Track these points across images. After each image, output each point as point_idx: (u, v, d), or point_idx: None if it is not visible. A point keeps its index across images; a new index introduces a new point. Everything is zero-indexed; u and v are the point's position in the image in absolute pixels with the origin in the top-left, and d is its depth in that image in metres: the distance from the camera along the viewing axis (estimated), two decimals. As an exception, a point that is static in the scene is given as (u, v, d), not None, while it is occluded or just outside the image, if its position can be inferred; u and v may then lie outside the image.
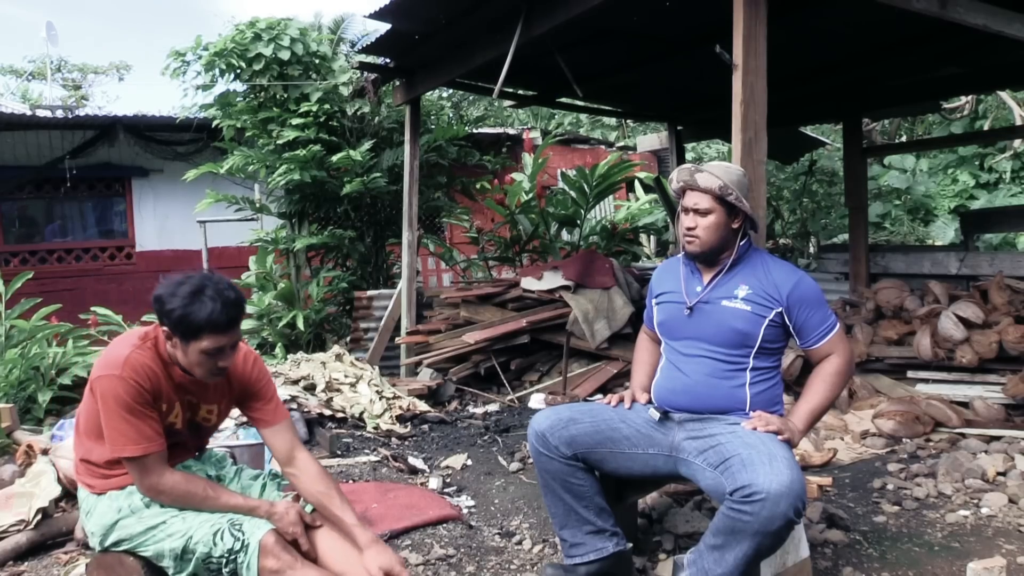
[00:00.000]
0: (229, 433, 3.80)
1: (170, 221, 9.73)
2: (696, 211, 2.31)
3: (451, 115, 9.23)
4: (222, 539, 1.94)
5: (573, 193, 7.44)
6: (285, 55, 6.53)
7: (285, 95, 6.74)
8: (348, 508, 2.08)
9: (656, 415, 2.37)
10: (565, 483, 2.34)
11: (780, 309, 2.28)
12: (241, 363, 2.18)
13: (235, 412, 4.09)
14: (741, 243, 2.35)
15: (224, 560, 1.93)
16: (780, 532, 1.95)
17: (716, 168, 2.31)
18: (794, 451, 2.17)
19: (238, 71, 6.67)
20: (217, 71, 6.71)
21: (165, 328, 1.97)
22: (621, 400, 2.48)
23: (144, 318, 4.33)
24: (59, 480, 3.12)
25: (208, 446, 2.42)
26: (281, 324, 6.57)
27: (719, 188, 2.26)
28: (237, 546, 1.92)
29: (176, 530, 1.98)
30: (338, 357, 5.35)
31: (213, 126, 7.28)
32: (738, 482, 1.97)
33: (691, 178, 2.31)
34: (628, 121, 15.14)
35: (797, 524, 2.00)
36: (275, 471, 2.25)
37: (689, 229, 2.33)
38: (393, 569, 1.97)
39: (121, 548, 2.03)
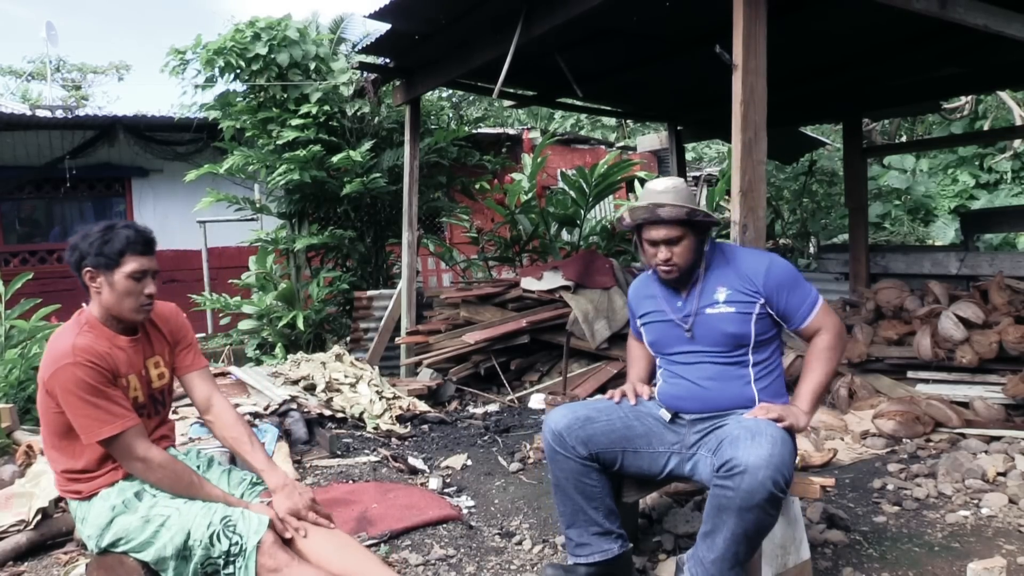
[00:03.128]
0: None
1: (170, 221, 9.73)
2: (667, 242, 2.28)
3: (451, 115, 9.22)
4: (218, 540, 1.94)
5: (573, 193, 7.44)
6: (284, 58, 6.51)
7: (285, 95, 6.73)
8: (259, 452, 2.22)
9: (667, 415, 2.39)
10: (579, 483, 2.33)
11: (762, 300, 2.29)
12: (168, 311, 2.32)
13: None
14: (706, 249, 2.36)
15: (222, 562, 1.94)
16: (763, 506, 1.95)
17: (668, 194, 2.28)
18: (797, 448, 2.18)
19: (237, 71, 6.66)
20: (217, 70, 6.70)
21: (88, 269, 2.05)
22: (624, 396, 2.48)
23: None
24: (59, 480, 3.11)
25: (204, 448, 2.43)
26: (281, 324, 6.57)
27: (687, 214, 2.25)
28: (235, 549, 1.93)
29: (174, 524, 1.98)
30: (338, 357, 5.34)
31: (211, 122, 7.27)
32: (722, 458, 2.02)
33: (654, 215, 2.26)
34: (628, 121, 15.14)
35: (782, 499, 2.01)
36: (255, 479, 2.26)
37: (666, 261, 2.30)
38: (300, 511, 2.08)
39: (120, 549, 2.03)
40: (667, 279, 2.35)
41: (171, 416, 2.38)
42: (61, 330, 2.10)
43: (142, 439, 2.03)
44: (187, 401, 4.19)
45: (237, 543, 1.93)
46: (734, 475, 1.96)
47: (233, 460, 3.03)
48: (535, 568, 2.68)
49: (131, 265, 2.06)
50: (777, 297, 2.29)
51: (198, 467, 2.25)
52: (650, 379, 2.66)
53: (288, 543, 2.03)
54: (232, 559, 1.93)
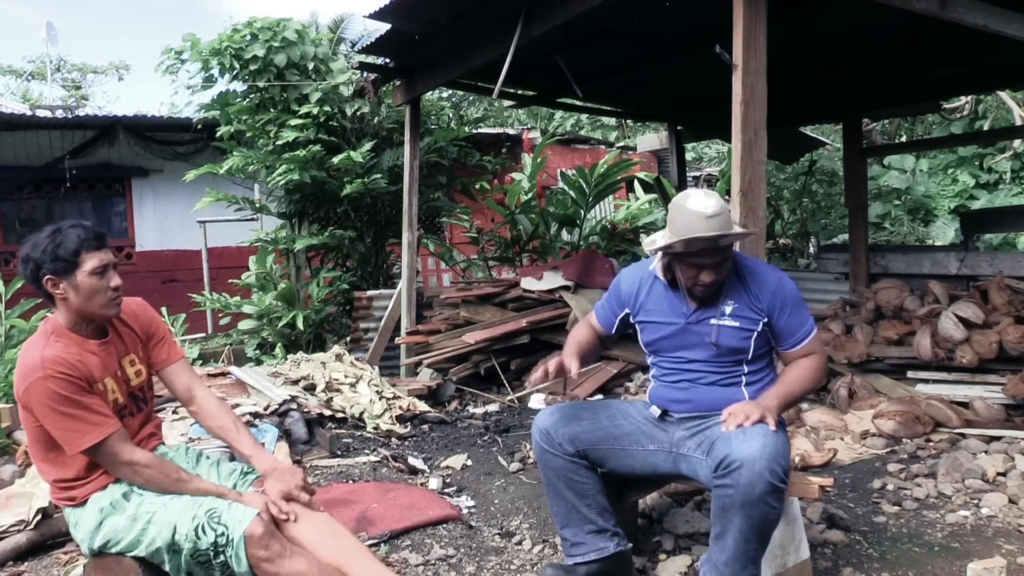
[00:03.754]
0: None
1: (170, 221, 9.73)
2: (715, 266, 2.21)
3: (451, 115, 9.22)
4: (204, 533, 1.94)
5: (573, 193, 7.45)
6: (282, 60, 6.51)
7: (284, 95, 6.73)
8: (244, 437, 2.22)
9: (657, 412, 2.40)
10: (568, 481, 2.34)
11: (765, 319, 2.29)
12: (135, 306, 2.29)
13: (235, 412, 4.08)
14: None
15: (212, 552, 1.93)
16: (765, 499, 1.96)
17: (719, 218, 2.14)
18: (788, 438, 2.19)
19: (235, 72, 6.65)
20: (216, 71, 6.70)
21: (49, 277, 2.00)
22: (547, 371, 2.34)
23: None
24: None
25: (204, 448, 2.42)
26: (281, 324, 6.57)
27: (741, 235, 2.23)
28: (222, 540, 1.92)
29: (160, 519, 1.98)
30: (338, 357, 5.34)
31: (210, 123, 7.26)
32: (717, 457, 2.03)
33: (716, 244, 2.16)
34: (628, 121, 15.13)
35: (783, 489, 2.01)
36: (246, 468, 2.26)
37: (712, 282, 2.23)
38: (292, 492, 2.07)
39: (112, 550, 2.03)
40: (702, 296, 2.29)
41: (171, 417, 2.39)
42: (29, 343, 2.06)
43: (125, 443, 2.02)
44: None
45: (223, 533, 1.92)
46: (731, 471, 1.97)
47: (234, 457, 3.03)
48: (535, 568, 2.68)
49: (90, 262, 2.01)
50: (778, 316, 2.28)
51: (187, 464, 2.25)
52: (584, 363, 2.51)
53: (280, 528, 2.03)
54: (221, 549, 1.93)
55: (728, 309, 2.29)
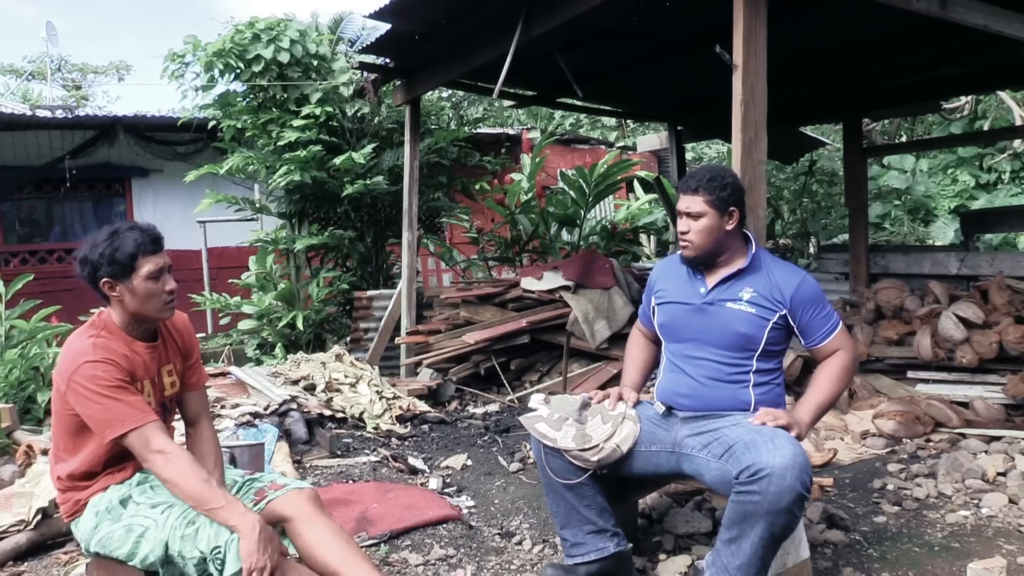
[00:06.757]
0: (229, 433, 3.80)
1: (170, 221, 9.71)
2: (688, 215, 2.32)
3: (451, 116, 9.21)
4: (210, 563, 1.91)
5: (573, 193, 7.44)
6: (284, 57, 6.51)
7: (285, 95, 6.73)
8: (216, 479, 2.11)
9: (661, 408, 2.40)
10: (567, 482, 2.34)
11: (784, 312, 2.29)
12: (181, 320, 2.30)
13: (235, 412, 4.10)
14: (752, 251, 2.35)
15: None
16: (791, 509, 1.96)
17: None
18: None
19: (237, 71, 6.65)
20: (216, 72, 6.70)
21: (106, 280, 2.02)
22: (607, 398, 2.46)
23: (80, 317, 4.24)
24: (59, 480, 3.11)
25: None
26: (281, 324, 6.56)
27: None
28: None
29: (152, 536, 1.98)
30: (338, 357, 5.34)
31: (211, 127, 7.27)
32: (743, 463, 2.00)
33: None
34: (628, 121, 15.13)
35: (807, 499, 2.01)
36: (248, 477, 2.25)
37: (683, 233, 2.34)
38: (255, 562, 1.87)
39: (110, 556, 2.03)
40: (684, 255, 2.37)
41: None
42: (78, 332, 2.08)
43: (162, 432, 2.00)
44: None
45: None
46: (759, 479, 1.95)
47: (232, 460, 3.03)
48: (535, 568, 2.68)
49: (146, 267, 2.02)
50: (801, 312, 2.30)
51: None
52: (642, 388, 2.64)
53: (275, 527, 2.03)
54: None
55: (746, 295, 2.30)
